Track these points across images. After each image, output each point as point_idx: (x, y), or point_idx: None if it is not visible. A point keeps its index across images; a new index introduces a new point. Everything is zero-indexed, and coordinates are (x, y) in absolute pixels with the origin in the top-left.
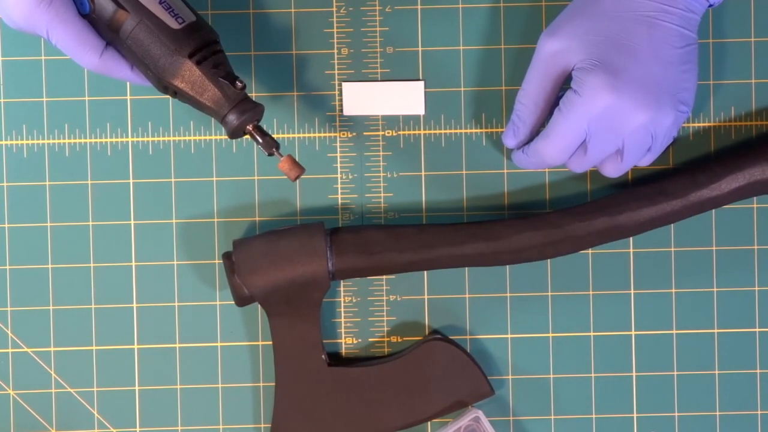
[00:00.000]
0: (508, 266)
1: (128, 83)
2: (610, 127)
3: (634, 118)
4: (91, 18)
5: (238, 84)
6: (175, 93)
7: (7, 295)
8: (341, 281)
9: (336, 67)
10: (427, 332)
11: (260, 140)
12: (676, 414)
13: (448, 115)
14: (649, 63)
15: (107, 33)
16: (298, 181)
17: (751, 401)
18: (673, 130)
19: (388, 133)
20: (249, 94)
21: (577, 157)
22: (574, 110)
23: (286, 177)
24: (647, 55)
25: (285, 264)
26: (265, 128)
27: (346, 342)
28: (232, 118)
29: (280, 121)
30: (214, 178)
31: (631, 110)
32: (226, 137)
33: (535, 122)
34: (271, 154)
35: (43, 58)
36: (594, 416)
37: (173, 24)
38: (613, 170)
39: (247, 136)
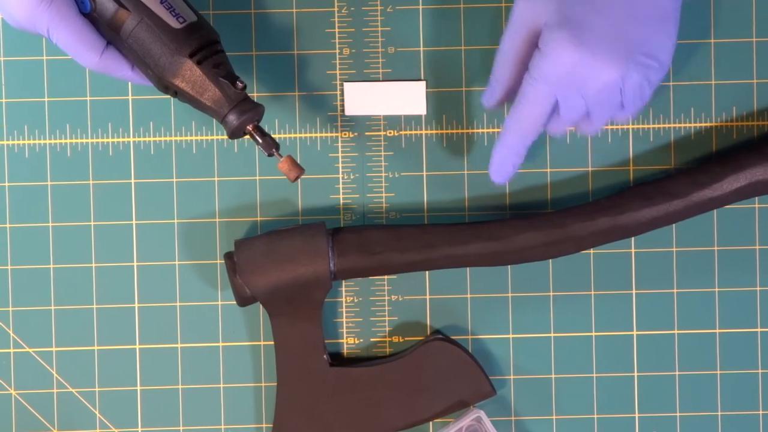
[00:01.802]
0: (509, 266)
1: (129, 83)
2: (577, 86)
3: (599, 76)
4: (92, 17)
5: (239, 84)
6: (176, 93)
7: (9, 295)
8: (343, 281)
9: (337, 67)
10: (428, 332)
11: (260, 140)
12: (678, 414)
13: (450, 115)
14: (620, 19)
15: (108, 32)
16: (299, 181)
17: (753, 401)
18: (646, 87)
19: (390, 133)
20: (250, 95)
21: (553, 120)
22: (539, 70)
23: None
24: (620, 11)
25: (287, 264)
26: (265, 129)
27: (348, 342)
28: (232, 118)
29: (282, 122)
30: (216, 178)
31: (597, 68)
32: (228, 137)
33: (509, 82)
34: (270, 155)
35: (44, 58)
36: (595, 416)
37: (174, 23)
38: (588, 129)
39: (248, 137)
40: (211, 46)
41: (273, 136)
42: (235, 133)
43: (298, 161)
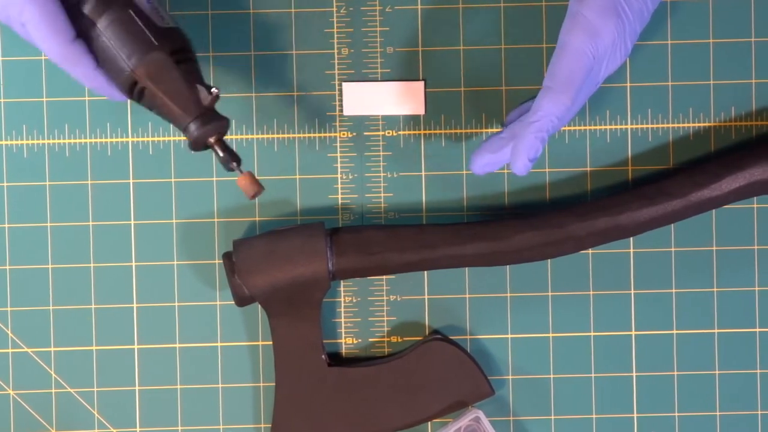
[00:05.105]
0: (508, 266)
1: None
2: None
3: None
4: (70, 2)
5: (213, 91)
6: (142, 92)
7: (7, 295)
8: (341, 281)
9: (336, 67)
10: (427, 332)
11: (221, 154)
12: (676, 414)
13: (449, 115)
14: None
15: (84, 23)
16: (297, 181)
17: (751, 401)
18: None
19: (389, 133)
20: (251, 94)
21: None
22: None
23: (286, 177)
24: None
25: (285, 264)
26: (228, 143)
27: (347, 342)
28: (194, 128)
29: (280, 122)
30: (215, 178)
31: None
32: (190, 148)
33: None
34: (230, 170)
35: (43, 58)
36: (594, 416)
37: (158, 22)
38: None
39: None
40: (188, 53)
41: (273, 135)
42: (197, 142)
43: (297, 162)
